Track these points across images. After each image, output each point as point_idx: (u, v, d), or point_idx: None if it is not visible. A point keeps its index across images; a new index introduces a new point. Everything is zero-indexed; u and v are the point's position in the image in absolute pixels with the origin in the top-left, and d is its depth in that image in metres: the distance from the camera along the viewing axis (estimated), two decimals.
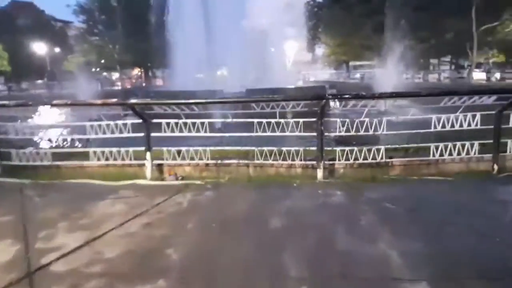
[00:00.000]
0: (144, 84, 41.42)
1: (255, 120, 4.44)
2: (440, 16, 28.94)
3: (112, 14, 39.86)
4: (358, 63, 55.68)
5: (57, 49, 44.66)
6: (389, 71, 19.77)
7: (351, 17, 36.17)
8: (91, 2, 41.43)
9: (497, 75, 31.32)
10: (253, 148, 4.49)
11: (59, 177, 4.59)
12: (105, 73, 53.25)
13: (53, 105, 4.32)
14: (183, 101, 4.55)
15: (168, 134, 4.60)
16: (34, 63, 42.54)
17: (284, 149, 4.41)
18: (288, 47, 39.35)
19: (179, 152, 4.70)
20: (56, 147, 4.75)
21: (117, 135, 4.61)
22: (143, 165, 4.56)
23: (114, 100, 4.52)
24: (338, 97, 5.05)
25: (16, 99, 25.03)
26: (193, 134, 4.50)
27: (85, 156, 4.83)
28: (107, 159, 4.70)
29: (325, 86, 16.10)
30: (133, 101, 4.45)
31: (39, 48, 41.50)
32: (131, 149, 4.66)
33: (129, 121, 4.64)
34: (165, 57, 24.65)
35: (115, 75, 51.25)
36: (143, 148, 4.53)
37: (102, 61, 42.70)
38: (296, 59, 48.65)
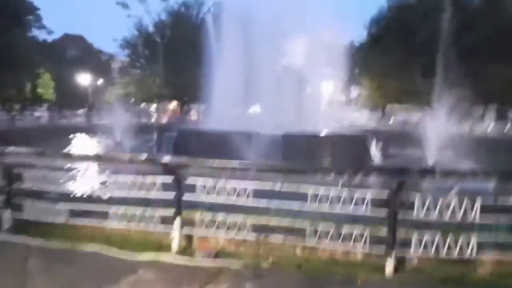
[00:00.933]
0: (179, 118, 42.00)
1: (310, 189, 3.57)
2: (487, 61, 27.66)
3: (155, 49, 41.49)
4: (395, 106, 54.21)
5: (100, 81, 46.73)
6: (434, 118, 18.54)
7: (389, 59, 35.42)
8: (136, 37, 43.49)
9: None
10: (304, 224, 3.62)
11: (74, 238, 3.92)
12: (143, 104, 54.96)
13: (67, 157, 3.74)
14: (221, 166, 3.80)
15: (204, 197, 3.83)
16: (77, 93, 44.58)
17: (343, 229, 3.51)
18: (324, 88, 38.93)
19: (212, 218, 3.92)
20: (74, 199, 4.05)
21: (141, 193, 3.92)
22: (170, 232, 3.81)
23: (144, 155, 3.88)
24: (429, 172, 3.81)
25: (52, 128, 25.57)
26: (231, 200, 3.72)
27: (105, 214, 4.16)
28: (129, 220, 4.00)
29: (367, 134, 15.08)
30: (165, 160, 3.76)
31: (84, 79, 43.53)
32: (157, 213, 3.94)
33: (158, 179, 3.94)
34: (201, 91, 24.77)
35: (153, 107, 52.64)
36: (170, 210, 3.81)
37: (141, 93, 44.04)
38: (331, 99, 47.99)
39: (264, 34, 20.33)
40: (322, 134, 13.97)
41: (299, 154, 12.78)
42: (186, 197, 3.83)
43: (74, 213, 4.18)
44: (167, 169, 3.70)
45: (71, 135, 24.32)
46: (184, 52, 38.06)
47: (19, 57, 30.87)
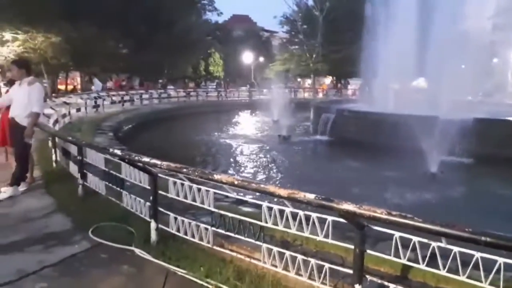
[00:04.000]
0: (335, 94, 40.42)
1: None
2: None
3: (313, 24, 40.55)
4: None
5: (261, 58, 48.85)
6: None
7: None
8: (295, 13, 43.27)
9: None
10: None
11: (219, 267, 3.01)
12: (299, 80, 55.41)
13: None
14: None
15: None
16: (242, 70, 47.83)
17: None
18: None
19: None
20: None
21: None
22: None
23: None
24: None
25: (218, 104, 27.89)
26: None
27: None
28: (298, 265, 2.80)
29: None
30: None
31: (247, 57, 46.19)
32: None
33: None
34: (359, 66, 22.88)
35: (308, 82, 52.48)
36: None
37: (299, 69, 44.16)
38: None
39: None
40: None
41: (499, 144, 9.86)
42: None
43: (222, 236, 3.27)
44: None
45: (236, 112, 25.97)
46: (343, 24, 35.99)
47: (195, 39, 34.54)
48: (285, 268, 2.74)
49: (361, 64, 22.02)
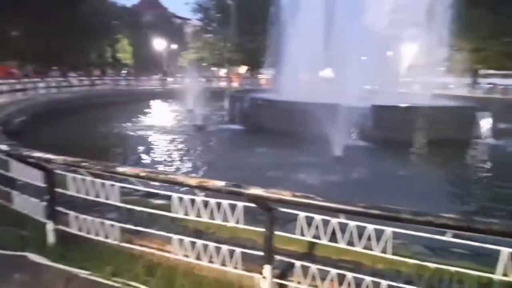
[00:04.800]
0: (249, 83, 41.14)
1: None
2: None
3: (227, 12, 40.45)
4: (490, 71, 47.56)
5: (174, 46, 47.31)
6: None
7: (495, 18, 30.20)
8: (208, 0, 42.71)
9: None
10: None
11: (128, 264, 2.87)
12: (213, 69, 55.13)
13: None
14: None
15: None
16: (153, 58, 45.75)
17: None
18: (406, 51, 34.96)
19: None
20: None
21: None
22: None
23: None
24: None
25: (129, 93, 26.29)
26: None
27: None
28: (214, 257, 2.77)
29: (475, 105, 12.55)
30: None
31: (159, 44, 44.31)
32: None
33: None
34: (271, 56, 23.57)
35: (222, 71, 52.50)
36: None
37: (213, 58, 43.83)
38: (412, 63, 43.28)
39: None
40: (419, 105, 11.96)
41: (393, 128, 11.05)
42: None
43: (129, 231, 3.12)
44: None
45: (148, 102, 24.79)
46: (256, 14, 36.56)
47: (100, 23, 31.90)
48: (198, 257, 2.71)
49: (272, 54, 22.75)
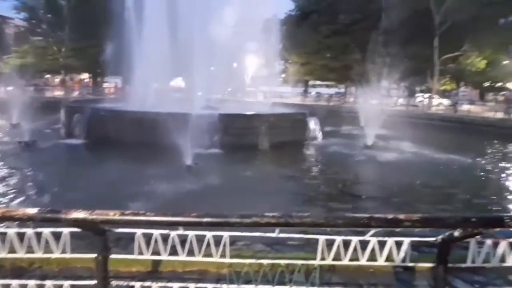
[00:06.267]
0: (91, 92, 37.47)
1: None
2: (405, 42, 29.13)
3: (59, 14, 35.98)
4: (317, 82, 56.04)
5: None
6: (361, 95, 18.93)
7: (317, 37, 35.78)
8: None
9: (446, 101, 31.92)
10: None
11: None
12: (47, 76, 48.37)
13: None
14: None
15: None
16: None
17: None
18: (249, 63, 38.11)
19: None
20: None
21: None
22: None
23: None
24: None
25: None
26: None
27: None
28: None
29: (306, 112, 14.48)
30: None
31: None
32: None
33: None
34: (117, 63, 22.19)
35: (58, 79, 46.53)
36: None
37: (45, 64, 38.29)
38: (255, 75, 47.50)
39: (189, 2, 18.51)
40: (262, 113, 13.07)
41: (240, 134, 11.77)
42: None
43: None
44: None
45: None
46: (97, 18, 33.58)
47: None
48: None
49: (119, 62, 21.33)
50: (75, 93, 37.05)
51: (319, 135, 14.44)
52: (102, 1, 32.76)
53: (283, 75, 47.01)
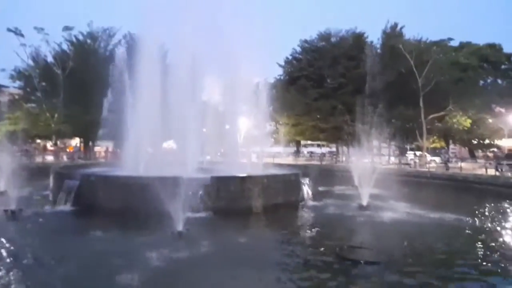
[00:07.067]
0: (83, 157, 37.23)
1: None
2: (391, 103, 30.28)
3: (54, 82, 36.95)
4: (309, 142, 57.05)
5: None
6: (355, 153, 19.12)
7: (305, 99, 37.17)
8: (31, 68, 38.37)
9: (438, 159, 32.52)
10: None
11: None
12: (38, 141, 48.38)
13: None
14: None
15: None
16: None
17: None
18: (241, 124, 38.90)
19: None
20: None
21: None
22: None
23: None
24: None
25: None
26: None
27: None
28: None
29: (299, 173, 14.39)
30: None
31: None
32: None
33: None
34: (109, 128, 22.38)
35: (49, 144, 46.47)
36: None
37: (38, 130, 38.44)
38: (247, 135, 48.23)
39: (180, 68, 19.18)
40: (254, 175, 12.96)
41: (232, 198, 11.56)
42: None
43: None
44: None
45: None
46: (90, 86, 34.42)
47: None
48: None
49: (111, 127, 21.50)
50: (65, 158, 36.74)
51: (311, 196, 14.30)
52: (96, 68, 34.16)
53: (275, 135, 47.84)
